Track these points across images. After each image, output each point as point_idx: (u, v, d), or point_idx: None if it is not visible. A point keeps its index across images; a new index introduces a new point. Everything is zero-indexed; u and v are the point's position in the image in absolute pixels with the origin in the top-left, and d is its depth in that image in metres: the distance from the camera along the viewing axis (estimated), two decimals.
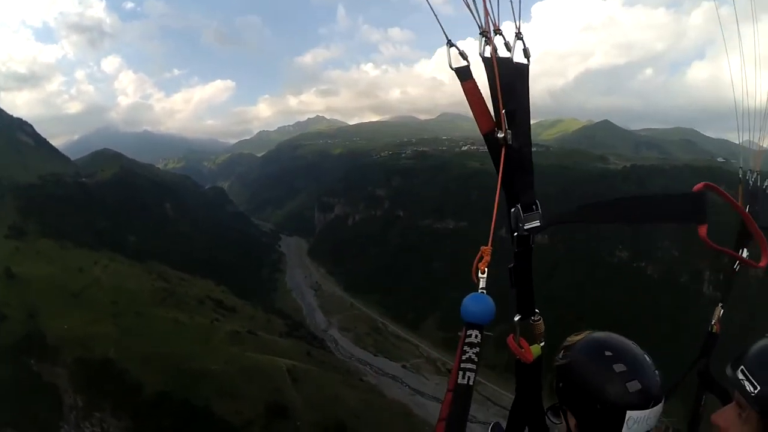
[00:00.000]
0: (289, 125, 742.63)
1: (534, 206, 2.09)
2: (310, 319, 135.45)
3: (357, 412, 74.78)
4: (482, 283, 2.03)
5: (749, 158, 4.63)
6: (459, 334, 1.98)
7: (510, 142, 1.99)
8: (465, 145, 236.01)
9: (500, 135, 1.99)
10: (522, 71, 2.08)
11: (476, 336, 1.94)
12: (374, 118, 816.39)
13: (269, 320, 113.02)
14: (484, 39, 1.99)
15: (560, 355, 2.31)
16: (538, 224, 2.08)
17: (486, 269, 2.05)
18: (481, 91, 2.00)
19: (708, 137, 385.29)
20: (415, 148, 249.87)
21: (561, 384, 2.28)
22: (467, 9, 1.96)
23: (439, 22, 2.01)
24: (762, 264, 2.25)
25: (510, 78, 2.02)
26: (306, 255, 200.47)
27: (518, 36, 2.06)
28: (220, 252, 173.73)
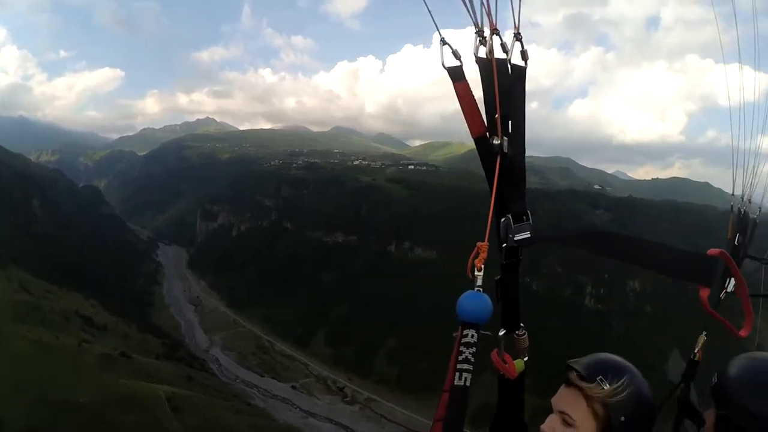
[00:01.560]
0: (176, 124, 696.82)
1: (525, 217, 2.02)
2: (189, 338, 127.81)
3: None
4: (479, 281, 1.95)
5: (744, 191, 4.85)
6: (454, 334, 1.94)
7: (506, 150, 1.93)
8: (357, 160, 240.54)
9: (496, 142, 1.93)
10: (519, 74, 2.00)
11: (473, 336, 1.89)
12: (266, 126, 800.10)
13: (145, 340, 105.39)
14: (479, 39, 1.92)
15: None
16: (528, 236, 2.00)
17: (483, 266, 1.96)
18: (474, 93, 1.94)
19: (583, 166, 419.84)
20: (306, 159, 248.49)
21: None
22: (464, 7, 1.90)
23: (432, 18, 1.99)
24: (743, 334, 2.28)
25: (506, 81, 1.94)
26: (186, 266, 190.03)
27: (517, 37, 1.97)
28: (92, 259, 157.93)
